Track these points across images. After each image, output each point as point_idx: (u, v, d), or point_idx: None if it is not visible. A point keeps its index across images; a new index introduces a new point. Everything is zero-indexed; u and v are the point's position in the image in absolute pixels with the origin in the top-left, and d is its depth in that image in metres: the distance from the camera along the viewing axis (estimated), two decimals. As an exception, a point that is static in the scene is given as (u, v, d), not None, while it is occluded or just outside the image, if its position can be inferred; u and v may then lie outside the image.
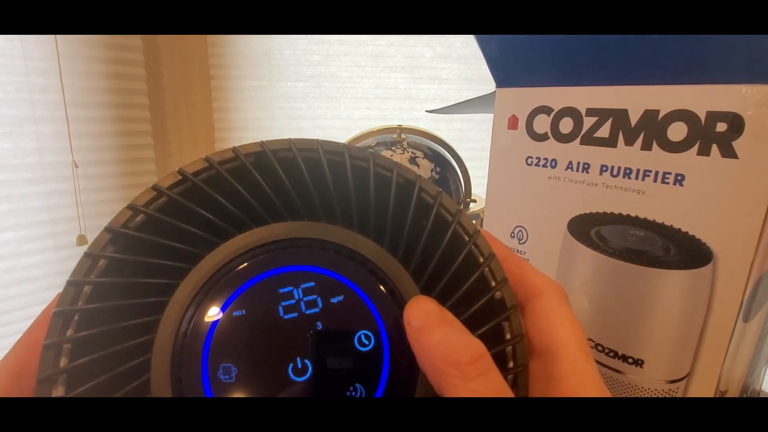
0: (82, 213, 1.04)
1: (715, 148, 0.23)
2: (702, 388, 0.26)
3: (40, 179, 0.98)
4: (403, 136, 0.72)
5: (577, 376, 0.15)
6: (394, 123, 0.75)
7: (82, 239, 1.03)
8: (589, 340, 0.30)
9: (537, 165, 0.31)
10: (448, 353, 0.13)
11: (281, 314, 0.15)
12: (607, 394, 0.15)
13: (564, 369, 0.15)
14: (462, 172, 0.74)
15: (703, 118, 0.24)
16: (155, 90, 1.19)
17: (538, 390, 0.16)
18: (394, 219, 0.16)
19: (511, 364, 0.16)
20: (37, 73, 0.94)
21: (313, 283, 0.15)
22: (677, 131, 0.25)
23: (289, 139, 0.17)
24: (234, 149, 0.16)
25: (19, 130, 0.94)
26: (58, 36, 0.95)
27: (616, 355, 0.29)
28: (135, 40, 1.11)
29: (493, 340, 0.16)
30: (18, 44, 0.91)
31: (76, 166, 1.01)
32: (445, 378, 0.13)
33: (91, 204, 1.06)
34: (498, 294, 0.16)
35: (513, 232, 0.34)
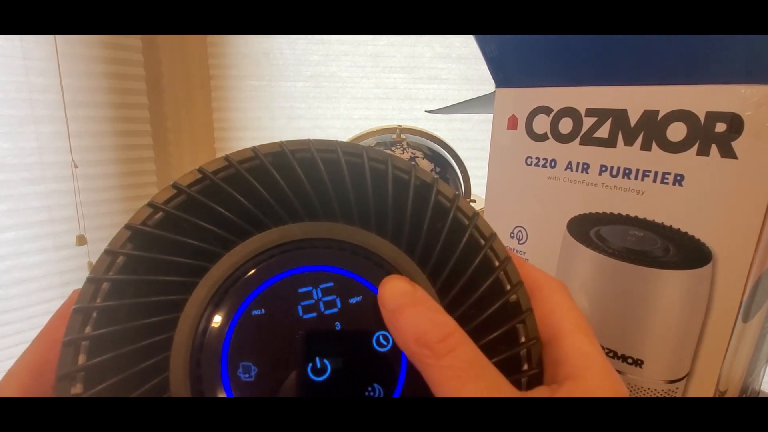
0: (82, 213, 1.04)
1: (714, 148, 0.23)
2: (701, 388, 0.26)
3: (40, 179, 0.98)
4: (402, 136, 0.72)
5: (582, 358, 0.15)
6: (393, 123, 0.75)
7: (81, 239, 1.03)
8: (589, 340, 0.30)
9: (536, 165, 0.31)
10: (419, 334, 0.14)
11: (301, 314, 0.15)
12: (613, 374, 0.15)
13: (568, 352, 0.15)
14: (461, 172, 0.74)
15: (702, 119, 0.24)
16: (155, 90, 1.19)
17: (546, 376, 0.16)
18: (411, 221, 0.16)
19: (525, 367, 0.16)
20: (36, 72, 0.94)
21: (332, 284, 0.15)
22: (677, 131, 0.25)
23: (309, 140, 0.17)
24: (253, 149, 0.16)
25: (19, 129, 0.94)
26: (57, 36, 0.95)
27: (615, 355, 0.29)
28: (134, 40, 1.11)
29: (507, 342, 0.16)
30: (17, 44, 0.91)
31: (76, 166, 1.01)
32: (419, 358, 0.14)
33: (90, 204, 1.06)
34: (513, 297, 0.16)
35: (513, 232, 0.34)
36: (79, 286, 0.14)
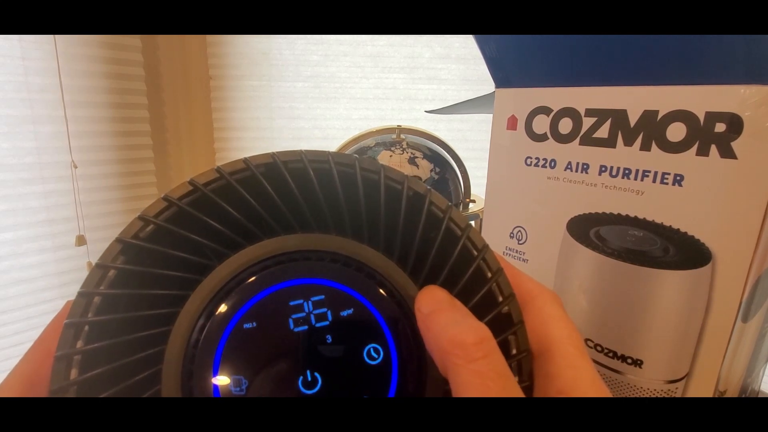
0: (81, 213, 1.04)
1: (714, 148, 0.23)
2: (701, 388, 0.26)
3: (39, 179, 0.98)
4: (402, 136, 0.72)
5: (572, 371, 0.15)
6: (393, 123, 0.75)
7: (80, 239, 1.03)
8: (588, 340, 0.30)
9: (536, 165, 0.31)
10: (454, 334, 0.14)
11: (291, 327, 0.15)
12: (603, 388, 0.15)
13: (559, 365, 0.15)
14: (461, 173, 0.74)
15: (702, 119, 0.24)
16: (154, 90, 1.19)
17: (536, 389, 0.16)
18: (404, 232, 0.16)
19: (516, 380, 0.16)
20: (35, 72, 0.94)
21: (323, 296, 0.15)
22: (676, 131, 0.25)
23: (300, 151, 0.17)
24: (245, 160, 0.16)
25: (18, 129, 0.94)
26: (56, 36, 0.94)
27: (615, 355, 0.29)
28: (134, 40, 1.11)
29: None
30: (16, 44, 0.91)
31: (75, 166, 1.01)
32: (450, 358, 0.14)
33: (89, 204, 1.06)
34: (505, 309, 0.16)
35: (512, 233, 0.34)
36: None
